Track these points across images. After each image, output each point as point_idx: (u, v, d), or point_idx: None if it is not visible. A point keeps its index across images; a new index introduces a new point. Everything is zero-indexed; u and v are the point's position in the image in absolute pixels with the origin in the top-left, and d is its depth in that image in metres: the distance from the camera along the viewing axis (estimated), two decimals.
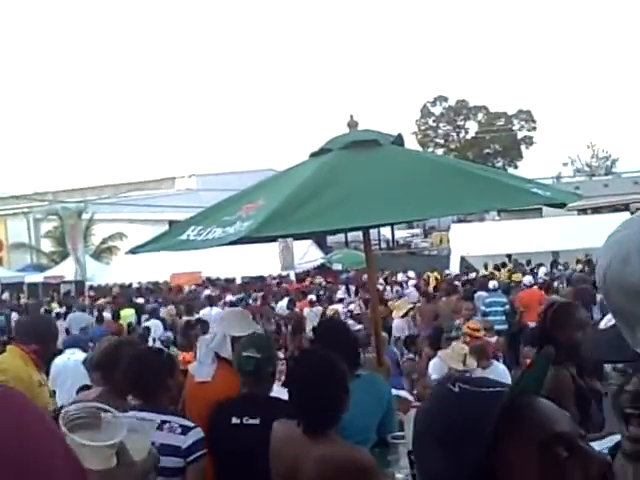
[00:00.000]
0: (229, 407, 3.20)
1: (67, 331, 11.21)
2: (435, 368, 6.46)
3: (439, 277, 19.49)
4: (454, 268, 21.99)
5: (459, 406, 0.97)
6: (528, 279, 13.64)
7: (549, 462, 0.91)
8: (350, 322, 9.49)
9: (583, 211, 30.17)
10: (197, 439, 2.88)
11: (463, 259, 22.41)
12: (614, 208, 28.82)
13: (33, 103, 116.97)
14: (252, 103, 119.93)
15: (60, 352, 6.59)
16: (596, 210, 30.75)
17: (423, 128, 61.10)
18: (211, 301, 14.76)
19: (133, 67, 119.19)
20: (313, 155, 4.02)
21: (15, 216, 33.33)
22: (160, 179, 38.84)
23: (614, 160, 57.38)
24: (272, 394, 3.33)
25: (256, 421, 3.05)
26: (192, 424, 2.93)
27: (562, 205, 3.48)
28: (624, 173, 46.26)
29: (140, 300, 17.03)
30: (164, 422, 2.84)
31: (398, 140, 4.04)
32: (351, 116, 4.18)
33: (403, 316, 10.22)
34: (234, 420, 3.12)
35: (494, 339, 8.24)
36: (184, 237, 3.58)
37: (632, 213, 19.26)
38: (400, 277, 21.04)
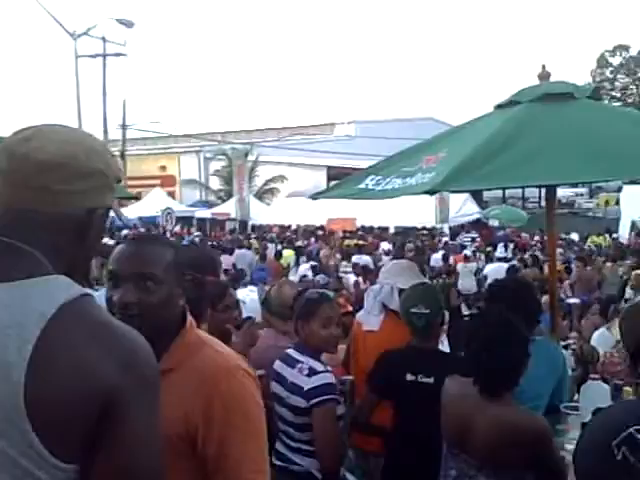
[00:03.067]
0: (402, 361, 3.21)
1: (234, 266, 11.90)
2: (601, 339, 6.10)
3: (604, 241, 18.19)
4: (623, 233, 20.43)
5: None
6: None
7: None
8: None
9: None
10: (322, 383, 2.75)
11: (634, 224, 20.70)
12: None
13: (221, 50, 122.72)
14: (414, 51, 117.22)
15: None
16: None
17: (598, 80, 56.12)
18: (361, 249, 14.93)
19: (302, 14, 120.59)
20: (499, 107, 3.83)
21: (188, 154, 35.68)
22: (320, 124, 39.41)
23: None
24: None
25: (430, 380, 3.05)
26: (322, 368, 2.81)
27: None
28: None
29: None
30: (299, 362, 2.84)
31: (594, 94, 3.74)
32: (543, 66, 3.90)
33: None
34: (409, 377, 3.12)
35: None
36: (362, 186, 3.58)
37: None
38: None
